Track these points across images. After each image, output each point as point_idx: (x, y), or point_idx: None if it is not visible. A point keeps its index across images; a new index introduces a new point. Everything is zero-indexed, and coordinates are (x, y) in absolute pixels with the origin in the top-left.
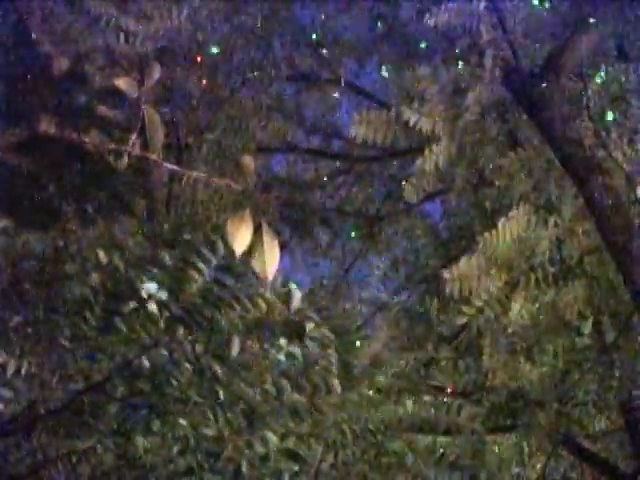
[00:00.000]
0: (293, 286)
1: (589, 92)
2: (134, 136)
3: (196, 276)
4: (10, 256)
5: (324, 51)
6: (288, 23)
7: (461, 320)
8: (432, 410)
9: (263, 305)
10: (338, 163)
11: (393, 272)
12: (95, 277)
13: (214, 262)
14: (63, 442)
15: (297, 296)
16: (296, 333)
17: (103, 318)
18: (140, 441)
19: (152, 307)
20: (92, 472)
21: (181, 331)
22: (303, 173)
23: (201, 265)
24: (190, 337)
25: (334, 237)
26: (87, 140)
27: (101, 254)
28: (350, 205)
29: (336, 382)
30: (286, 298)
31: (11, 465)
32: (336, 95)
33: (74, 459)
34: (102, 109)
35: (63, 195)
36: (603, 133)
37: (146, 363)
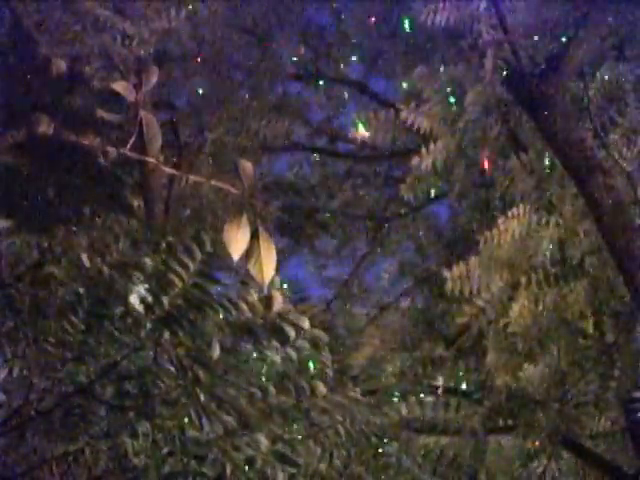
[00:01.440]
0: (276, 286)
1: (590, 92)
2: (132, 140)
3: (176, 280)
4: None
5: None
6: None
7: (462, 320)
8: (431, 410)
9: (246, 308)
10: (343, 164)
11: (398, 271)
12: (81, 280)
13: (194, 267)
14: (52, 445)
15: (279, 299)
16: (278, 336)
17: (90, 321)
18: (128, 443)
19: (139, 309)
20: (81, 474)
21: (165, 334)
22: (308, 175)
23: (182, 269)
24: (173, 340)
25: (339, 238)
26: (84, 142)
27: (84, 257)
28: (355, 207)
29: (321, 385)
30: (268, 301)
31: (1, 468)
32: (341, 94)
33: (64, 462)
34: (100, 112)
35: (57, 198)
36: (603, 133)
37: (132, 366)
